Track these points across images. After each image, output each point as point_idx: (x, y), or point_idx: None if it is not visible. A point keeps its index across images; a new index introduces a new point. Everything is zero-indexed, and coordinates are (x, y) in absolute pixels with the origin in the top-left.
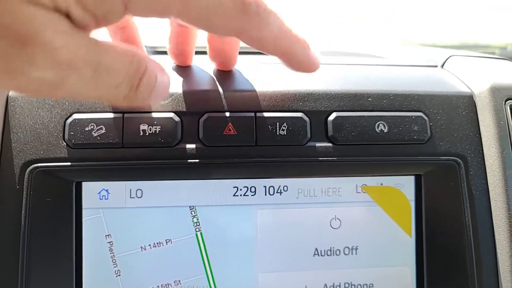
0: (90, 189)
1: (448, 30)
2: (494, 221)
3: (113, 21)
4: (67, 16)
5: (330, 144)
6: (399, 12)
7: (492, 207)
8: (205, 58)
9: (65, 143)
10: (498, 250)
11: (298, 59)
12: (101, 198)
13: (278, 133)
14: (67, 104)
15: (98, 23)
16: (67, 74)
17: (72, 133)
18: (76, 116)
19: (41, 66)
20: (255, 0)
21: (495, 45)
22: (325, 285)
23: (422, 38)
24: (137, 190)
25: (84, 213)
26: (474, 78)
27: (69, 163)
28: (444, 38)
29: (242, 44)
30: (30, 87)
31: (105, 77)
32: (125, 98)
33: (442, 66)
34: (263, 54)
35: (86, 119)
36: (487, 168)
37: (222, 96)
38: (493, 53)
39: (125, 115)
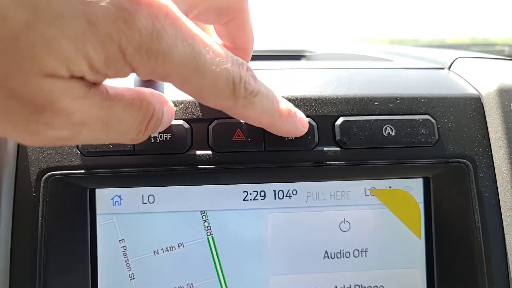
0: (104, 196)
1: (457, 27)
2: (504, 222)
3: (123, 77)
4: (82, 78)
5: (338, 148)
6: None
7: (501, 208)
8: None
9: (79, 151)
10: (508, 252)
11: (283, 131)
12: (114, 204)
13: (286, 138)
14: None
15: (110, 78)
16: (80, 130)
17: None
18: None
19: (56, 127)
20: (245, 84)
21: (504, 43)
22: (336, 287)
23: (434, 36)
24: (149, 195)
25: (98, 219)
26: (481, 80)
27: (83, 171)
28: (454, 36)
29: None
30: (45, 142)
31: (115, 127)
32: (133, 140)
33: (449, 68)
34: (270, 59)
35: None
36: (496, 170)
37: None
38: (502, 51)
39: None
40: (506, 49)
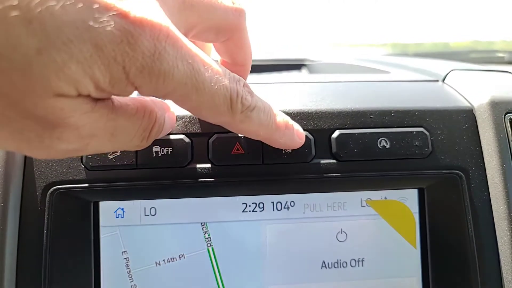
0: (107, 208)
1: (460, 29)
2: (497, 232)
3: (126, 95)
4: (90, 96)
5: (334, 161)
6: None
7: (494, 218)
8: None
9: (83, 166)
10: (501, 261)
11: (280, 143)
12: (117, 216)
13: (284, 151)
14: None
15: (114, 95)
16: (89, 142)
17: (90, 156)
18: None
19: (67, 140)
20: (242, 100)
21: (506, 46)
22: None
23: (437, 39)
24: (151, 208)
25: (102, 231)
26: (474, 92)
27: (87, 185)
28: (457, 38)
29: None
30: (57, 155)
31: (121, 136)
32: (137, 147)
33: (443, 80)
34: (272, 69)
35: None
36: (488, 181)
37: None
38: (502, 58)
39: None
40: (506, 55)
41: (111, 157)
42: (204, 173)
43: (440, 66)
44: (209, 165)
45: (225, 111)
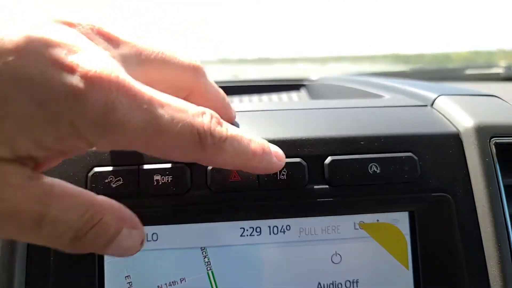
0: None
1: (460, 40)
2: (485, 251)
3: (80, 152)
4: (30, 158)
5: (327, 186)
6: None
7: (482, 238)
8: None
9: None
10: (490, 279)
11: (259, 169)
12: None
13: (279, 178)
14: (88, 158)
15: (64, 155)
16: (7, 223)
17: (94, 185)
18: (96, 169)
19: None
20: (212, 133)
21: (504, 56)
22: None
23: (438, 49)
24: (153, 234)
25: (106, 256)
26: (460, 117)
27: None
28: (457, 48)
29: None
30: None
31: (48, 228)
32: (65, 247)
33: (432, 105)
34: (271, 90)
35: (106, 171)
36: (476, 203)
37: None
38: (498, 74)
39: (140, 167)
40: (502, 72)
41: (114, 186)
42: (203, 200)
43: (430, 90)
44: (207, 192)
45: (195, 148)
